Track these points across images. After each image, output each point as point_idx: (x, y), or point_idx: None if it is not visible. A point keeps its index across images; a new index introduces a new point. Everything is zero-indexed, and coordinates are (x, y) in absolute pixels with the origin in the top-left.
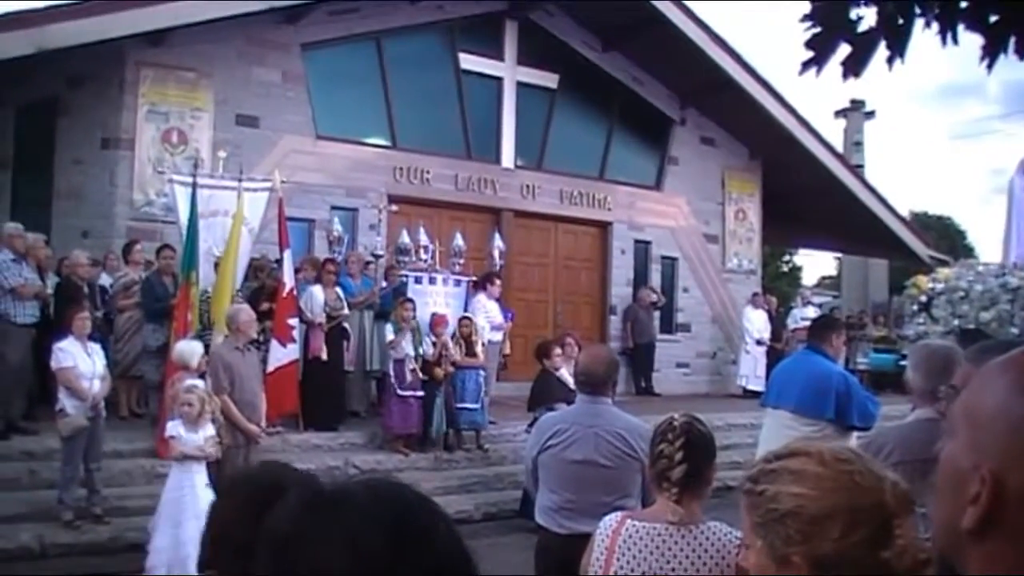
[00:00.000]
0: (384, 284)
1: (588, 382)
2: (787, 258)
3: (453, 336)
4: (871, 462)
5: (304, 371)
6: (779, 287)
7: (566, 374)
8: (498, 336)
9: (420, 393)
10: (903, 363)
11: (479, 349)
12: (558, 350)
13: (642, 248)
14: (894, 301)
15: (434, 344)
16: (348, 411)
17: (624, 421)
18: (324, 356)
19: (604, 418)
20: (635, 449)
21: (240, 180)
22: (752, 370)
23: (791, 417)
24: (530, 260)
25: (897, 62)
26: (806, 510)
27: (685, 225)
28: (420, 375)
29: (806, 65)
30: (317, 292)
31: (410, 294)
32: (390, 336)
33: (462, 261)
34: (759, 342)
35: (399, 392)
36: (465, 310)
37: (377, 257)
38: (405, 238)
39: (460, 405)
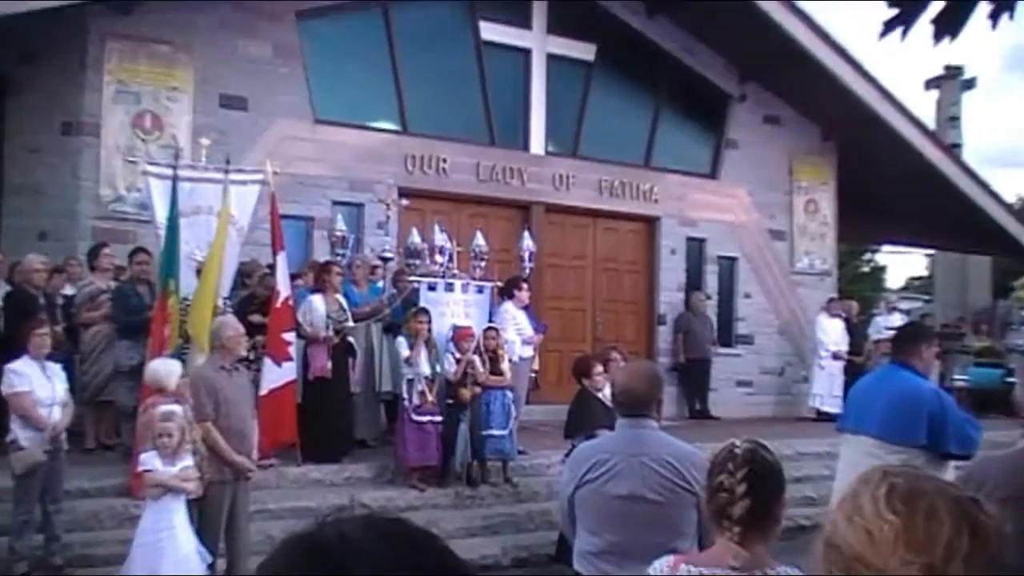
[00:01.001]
0: (394, 291)
1: (628, 402)
2: (868, 257)
3: (477, 351)
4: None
5: (303, 394)
6: (859, 291)
7: (610, 396)
8: (528, 351)
9: (439, 418)
10: (1010, 379)
11: (506, 366)
12: (599, 368)
13: (695, 247)
14: (998, 306)
15: (457, 361)
16: (354, 440)
17: (674, 447)
18: (327, 376)
19: (650, 445)
20: (689, 480)
21: (226, 172)
22: (827, 389)
23: (874, 444)
24: (565, 262)
25: (1004, 18)
26: None
27: (746, 220)
28: (431, 398)
29: (889, 26)
30: (317, 302)
31: (424, 303)
32: (405, 352)
33: (484, 264)
34: (835, 356)
35: (414, 417)
36: (489, 321)
37: (386, 260)
38: (417, 238)
39: (486, 432)
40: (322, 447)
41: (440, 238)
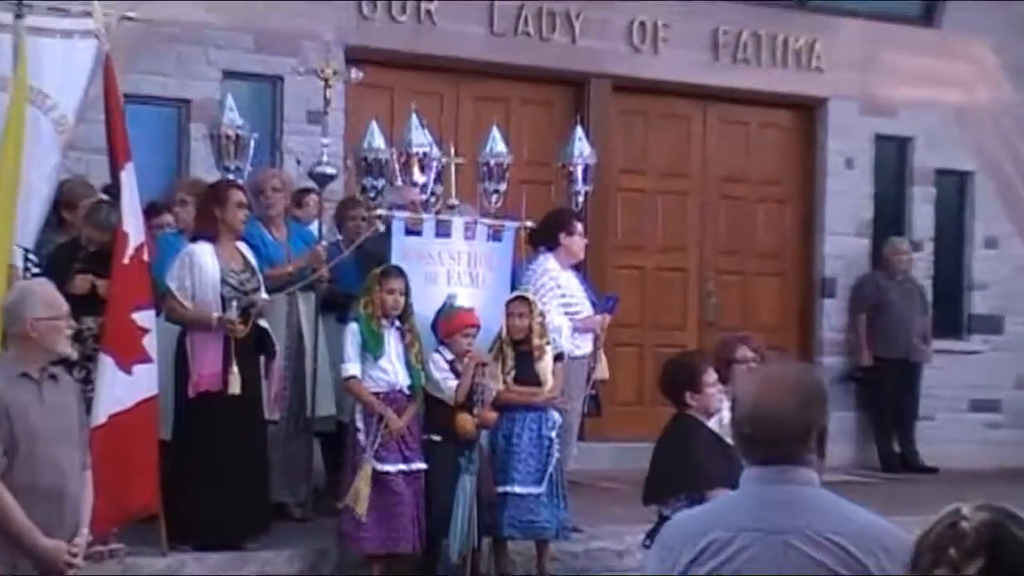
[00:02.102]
0: (338, 237)
1: (763, 438)
2: None
3: (496, 345)
4: None
5: (175, 424)
6: None
7: (729, 426)
8: (583, 346)
9: (418, 466)
10: None
11: (549, 366)
12: (712, 376)
13: (891, 153)
14: None
15: (451, 366)
16: (268, 507)
17: (849, 520)
18: (218, 391)
19: (805, 514)
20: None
21: (19, 11)
22: None
23: None
24: (649, 184)
25: None
26: None
27: (990, 102)
28: (403, 428)
29: None
30: (201, 256)
31: (395, 258)
32: (352, 350)
33: (504, 187)
34: None
35: (376, 466)
36: (512, 287)
37: (323, 180)
38: (380, 140)
39: (506, 489)
40: (209, 521)
41: (421, 138)
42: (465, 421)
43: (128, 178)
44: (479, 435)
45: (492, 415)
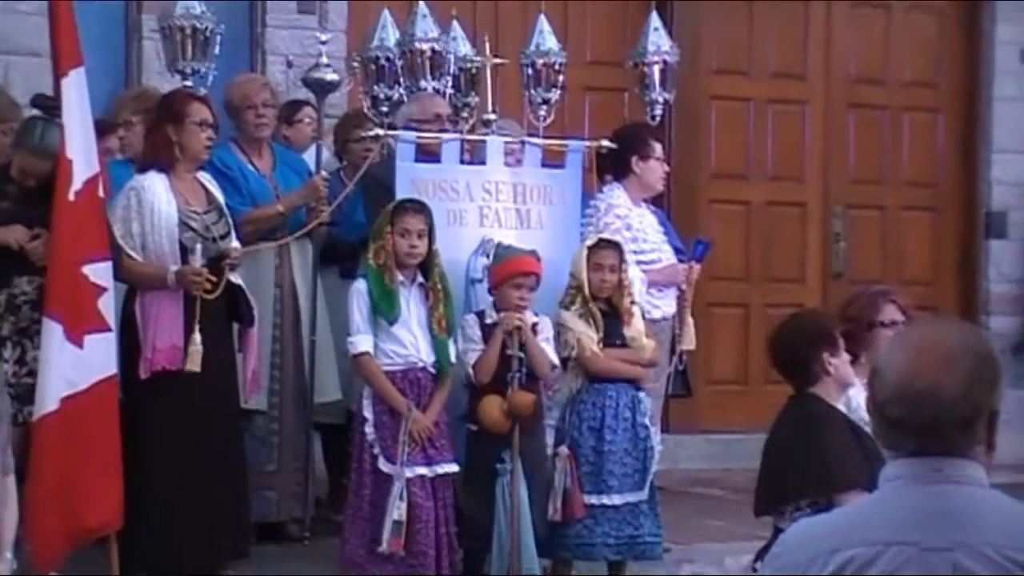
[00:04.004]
0: (339, 166)
1: (914, 422)
2: None
3: (576, 299)
4: None
5: (124, 414)
6: None
7: (865, 408)
8: (663, 305)
9: (446, 469)
10: None
11: (641, 331)
12: (838, 344)
13: None
14: None
15: (487, 330)
16: (251, 526)
17: None
18: (180, 370)
19: (975, 522)
20: None
21: None
22: None
23: None
24: (753, 88)
25: None
26: None
27: None
28: (428, 422)
29: None
30: (153, 192)
31: (403, 190)
32: (358, 316)
33: (555, 96)
34: None
35: (385, 468)
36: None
37: (322, 89)
38: (392, 35)
39: (602, 500)
40: (169, 542)
41: (429, 29)
42: (489, 407)
43: (75, 88)
44: (513, 425)
45: (527, 398)
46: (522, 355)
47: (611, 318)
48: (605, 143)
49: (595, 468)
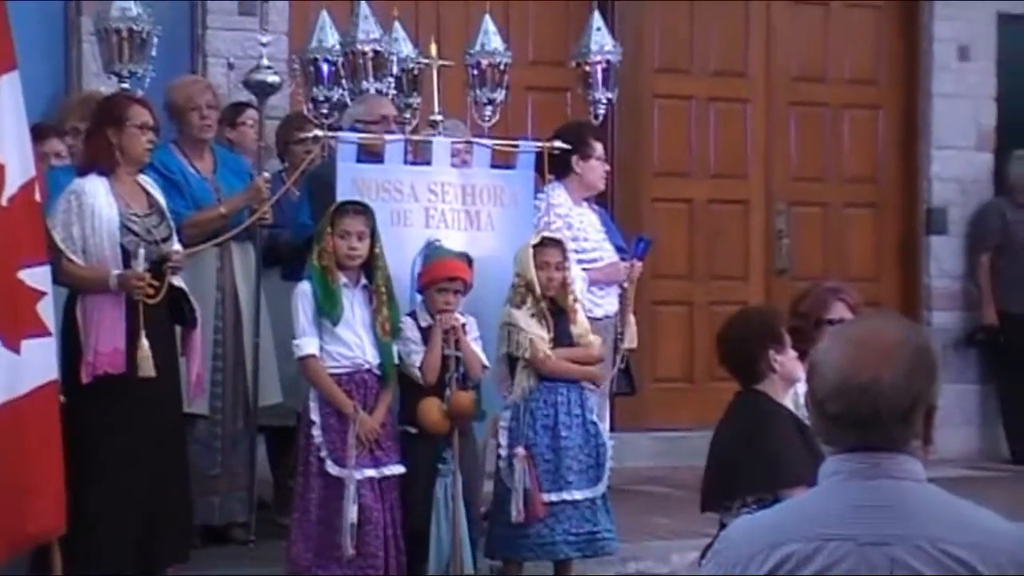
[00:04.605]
0: (283, 168)
1: (854, 418)
2: None
3: (526, 299)
4: None
5: (66, 418)
6: None
7: (805, 404)
8: (605, 303)
9: (396, 470)
10: None
11: (587, 329)
12: (784, 339)
13: (1021, 38)
14: None
15: (424, 332)
16: (193, 528)
17: (972, 526)
18: (122, 374)
19: (912, 516)
20: None
21: None
22: None
23: None
24: (695, 87)
25: None
26: None
27: None
28: (376, 423)
29: None
30: (94, 195)
31: (345, 190)
32: (304, 319)
33: (501, 96)
34: None
35: (332, 471)
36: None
37: (263, 91)
38: (332, 37)
39: (562, 496)
40: (115, 547)
41: (371, 30)
42: (429, 408)
43: (9, 91)
44: (452, 427)
45: (467, 398)
46: (459, 355)
47: (557, 316)
48: (558, 144)
49: (553, 466)
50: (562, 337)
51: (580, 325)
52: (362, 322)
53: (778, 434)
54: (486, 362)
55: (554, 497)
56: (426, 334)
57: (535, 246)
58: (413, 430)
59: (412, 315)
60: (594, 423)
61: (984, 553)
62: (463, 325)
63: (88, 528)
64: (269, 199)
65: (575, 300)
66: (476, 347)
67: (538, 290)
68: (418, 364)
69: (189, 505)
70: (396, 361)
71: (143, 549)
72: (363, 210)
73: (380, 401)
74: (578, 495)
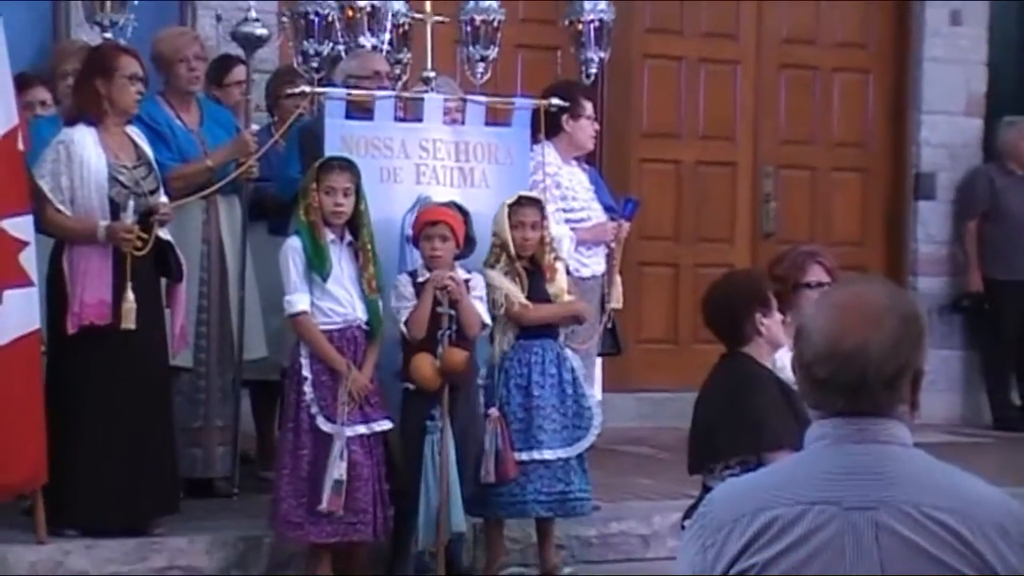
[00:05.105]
0: (271, 122)
1: (840, 383)
2: None
3: (500, 259)
4: None
5: (50, 369)
6: None
7: (791, 368)
8: (592, 263)
9: (384, 425)
10: None
11: (564, 287)
12: (771, 303)
13: (1011, 3)
14: None
15: (417, 286)
16: (178, 482)
17: (957, 491)
18: (107, 325)
19: (896, 481)
20: (991, 565)
21: None
22: None
23: None
24: (685, 48)
25: None
26: None
27: None
28: (365, 379)
29: None
30: (82, 145)
31: (333, 147)
32: (294, 274)
33: (493, 54)
34: None
35: (321, 426)
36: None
37: (252, 44)
38: None
39: (532, 455)
40: (101, 499)
41: None
42: (421, 365)
43: None
44: (444, 383)
45: (459, 355)
46: (452, 312)
47: (534, 275)
48: (556, 101)
49: (525, 425)
50: (539, 295)
51: (557, 284)
52: (350, 278)
53: (762, 397)
54: (487, 320)
55: (525, 456)
56: (420, 290)
57: (510, 205)
58: (411, 386)
59: (412, 273)
60: (572, 383)
61: (968, 518)
62: (466, 282)
63: (71, 480)
64: (256, 153)
65: (556, 258)
66: (479, 305)
67: (512, 249)
68: (405, 319)
69: (174, 458)
70: (381, 316)
71: (128, 502)
72: (348, 166)
73: (367, 357)
74: (549, 455)
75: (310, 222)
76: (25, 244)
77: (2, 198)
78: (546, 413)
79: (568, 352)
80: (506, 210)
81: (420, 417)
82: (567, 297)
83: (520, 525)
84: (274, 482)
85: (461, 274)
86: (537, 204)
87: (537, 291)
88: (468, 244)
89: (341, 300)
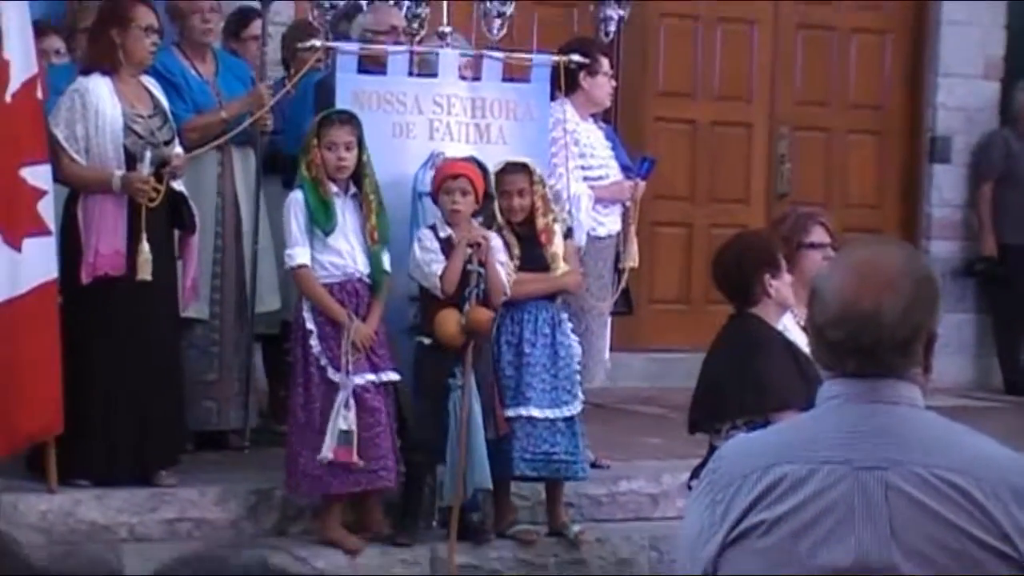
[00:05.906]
0: (286, 75)
1: (854, 345)
2: None
3: (496, 222)
4: None
5: (63, 318)
6: None
7: (799, 329)
8: (608, 222)
9: (392, 376)
10: None
11: (560, 251)
12: (780, 264)
13: None
14: None
15: (446, 244)
16: (188, 434)
17: (968, 452)
18: (121, 275)
19: (908, 441)
20: (1004, 527)
21: None
22: None
23: None
24: (702, 7)
25: None
26: None
27: None
28: (371, 330)
29: None
30: (97, 95)
31: (345, 102)
32: (297, 249)
33: (511, 10)
34: None
35: (332, 377)
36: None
37: None
38: None
39: (519, 412)
40: (112, 449)
41: None
42: (446, 321)
43: None
44: (467, 340)
45: (485, 314)
46: (482, 270)
47: (530, 240)
48: (576, 57)
49: (513, 382)
50: (535, 261)
51: (554, 246)
52: (353, 230)
53: (769, 358)
54: (508, 289)
55: (511, 412)
56: (445, 245)
57: (496, 173)
58: (427, 341)
59: (433, 227)
60: (566, 345)
61: (980, 479)
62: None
63: (81, 430)
64: (270, 105)
65: (554, 220)
66: (501, 270)
67: (499, 217)
68: (439, 273)
69: (182, 410)
70: (387, 269)
71: (136, 453)
72: (349, 119)
73: (372, 309)
74: (536, 412)
75: (313, 178)
76: (43, 193)
77: (22, 146)
78: (535, 371)
79: (565, 316)
80: (493, 178)
81: (437, 372)
82: (563, 266)
83: (532, 487)
84: (288, 437)
85: (487, 235)
86: (525, 170)
87: (532, 257)
88: (487, 199)
89: (342, 253)
